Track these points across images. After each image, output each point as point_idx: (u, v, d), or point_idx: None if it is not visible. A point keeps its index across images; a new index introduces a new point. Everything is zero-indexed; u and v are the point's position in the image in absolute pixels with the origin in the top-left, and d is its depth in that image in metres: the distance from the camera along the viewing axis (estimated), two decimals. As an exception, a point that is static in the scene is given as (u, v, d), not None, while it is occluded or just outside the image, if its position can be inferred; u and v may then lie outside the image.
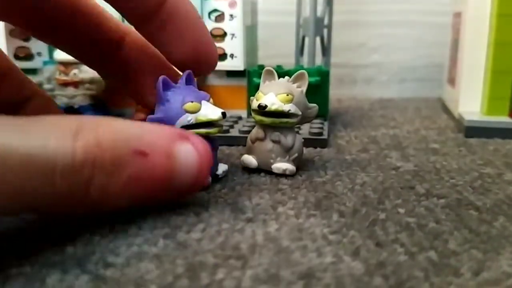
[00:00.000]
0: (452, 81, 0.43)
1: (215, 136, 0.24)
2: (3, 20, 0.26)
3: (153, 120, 0.22)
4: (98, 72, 0.28)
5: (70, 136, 0.16)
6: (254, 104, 0.25)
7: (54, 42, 0.26)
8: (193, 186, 0.19)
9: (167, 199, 0.20)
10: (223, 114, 0.23)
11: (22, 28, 0.26)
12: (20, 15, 0.24)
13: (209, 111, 0.23)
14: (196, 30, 0.24)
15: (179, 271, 0.16)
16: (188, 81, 0.24)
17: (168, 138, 0.18)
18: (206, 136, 0.22)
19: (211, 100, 0.24)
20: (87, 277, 0.15)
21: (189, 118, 0.22)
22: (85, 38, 0.25)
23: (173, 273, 0.16)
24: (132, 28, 0.25)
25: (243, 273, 0.16)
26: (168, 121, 0.22)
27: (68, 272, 0.16)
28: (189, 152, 0.19)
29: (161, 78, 0.23)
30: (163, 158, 0.18)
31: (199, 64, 0.24)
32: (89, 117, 0.18)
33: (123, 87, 0.27)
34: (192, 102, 0.23)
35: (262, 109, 0.25)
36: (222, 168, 0.25)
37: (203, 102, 0.23)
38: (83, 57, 0.27)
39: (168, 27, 0.23)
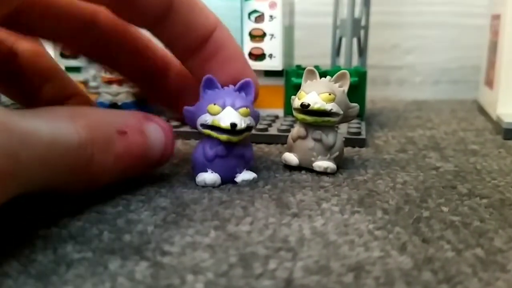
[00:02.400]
0: (490, 83, 0.43)
1: (244, 144, 0.24)
2: (54, 43, 0.27)
3: (186, 111, 0.24)
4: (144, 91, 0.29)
5: (70, 120, 0.18)
6: (296, 103, 0.26)
7: (104, 65, 0.27)
8: (162, 158, 0.23)
9: (144, 171, 0.23)
10: (232, 125, 0.23)
11: (71, 51, 0.27)
12: (70, 40, 0.25)
13: (225, 118, 0.23)
14: (238, 64, 0.25)
15: (232, 261, 0.16)
16: (243, 88, 0.24)
17: (137, 120, 0.22)
18: (227, 142, 0.23)
19: (247, 109, 0.23)
20: (146, 263, 0.16)
21: (207, 119, 0.23)
22: (133, 65, 0.26)
23: (227, 262, 0.16)
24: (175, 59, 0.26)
25: (294, 264, 0.16)
26: (196, 115, 0.24)
27: (128, 258, 0.16)
28: (156, 129, 0.22)
29: (206, 76, 0.24)
30: (138, 135, 0.21)
31: None
32: (75, 107, 0.21)
33: (167, 109, 0.29)
34: (215, 104, 0.23)
35: (304, 108, 0.25)
36: (245, 176, 0.24)
37: (228, 108, 0.23)
38: (131, 80, 0.28)
39: (212, 61, 0.24)
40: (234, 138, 0.23)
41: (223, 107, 0.23)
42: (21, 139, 0.15)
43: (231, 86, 0.24)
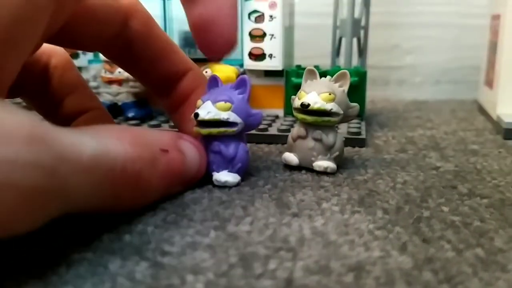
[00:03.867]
0: (489, 83, 0.43)
1: (225, 141, 0.24)
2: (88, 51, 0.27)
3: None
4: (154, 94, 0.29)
5: (116, 137, 0.18)
6: (297, 103, 0.26)
7: (123, 66, 0.27)
8: (197, 174, 0.23)
9: (182, 188, 0.23)
10: (195, 114, 0.23)
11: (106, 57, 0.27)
12: (105, 46, 0.25)
13: (198, 110, 0.23)
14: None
15: (232, 261, 0.16)
16: (240, 85, 0.24)
17: (172, 138, 0.22)
18: (204, 136, 0.24)
19: (227, 104, 0.23)
20: (146, 263, 0.16)
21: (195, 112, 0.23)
22: (154, 67, 0.26)
23: (227, 262, 0.16)
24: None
25: (294, 264, 0.16)
26: None
27: (128, 259, 0.16)
28: (189, 147, 0.22)
29: (212, 75, 0.24)
30: (176, 153, 0.21)
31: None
32: (122, 126, 0.21)
33: (169, 115, 0.29)
34: (201, 100, 0.24)
35: (304, 108, 0.25)
36: (220, 176, 0.24)
37: (207, 102, 0.23)
38: (146, 83, 0.28)
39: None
40: (202, 131, 0.23)
41: (205, 101, 0.23)
42: (61, 154, 0.15)
43: (229, 84, 0.24)
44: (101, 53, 0.26)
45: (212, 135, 0.23)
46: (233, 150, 0.24)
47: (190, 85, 0.26)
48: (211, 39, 0.21)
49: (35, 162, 0.14)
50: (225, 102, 0.23)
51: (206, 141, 0.24)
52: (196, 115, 0.23)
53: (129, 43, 0.24)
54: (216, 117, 0.23)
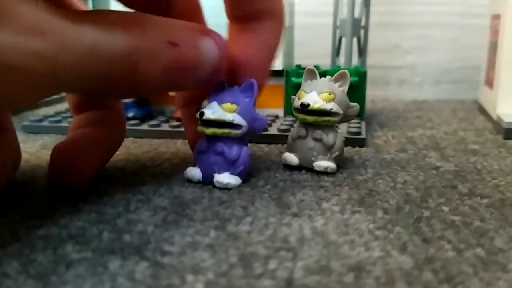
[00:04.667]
0: (490, 83, 0.42)
1: (228, 143, 0.24)
2: None
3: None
4: None
5: (120, 27, 0.18)
6: (296, 103, 0.26)
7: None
8: (212, 75, 0.22)
9: (192, 86, 0.22)
10: (200, 113, 0.23)
11: None
12: None
13: (204, 109, 0.23)
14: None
15: (232, 261, 0.16)
16: (247, 89, 0.24)
17: (194, 33, 0.21)
18: (208, 136, 0.24)
19: (233, 105, 0.23)
20: (146, 263, 0.16)
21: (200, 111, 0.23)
22: None
23: (227, 262, 0.16)
24: None
25: (294, 264, 0.16)
26: None
27: (128, 258, 0.16)
28: (211, 45, 0.21)
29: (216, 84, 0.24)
30: (190, 49, 0.20)
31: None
32: (130, 12, 0.20)
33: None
34: (207, 100, 0.23)
35: (304, 108, 0.25)
36: (222, 178, 0.23)
37: (213, 102, 0.23)
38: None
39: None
40: (207, 130, 0.23)
41: (210, 102, 0.23)
42: (61, 44, 0.16)
43: (236, 87, 0.24)
44: None
45: (216, 135, 0.23)
46: (236, 152, 0.24)
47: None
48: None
49: (36, 50, 0.15)
50: (231, 104, 0.23)
51: (209, 141, 0.24)
52: (202, 113, 0.23)
53: None
54: (222, 117, 0.23)
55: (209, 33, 0.21)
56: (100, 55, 0.17)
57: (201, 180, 0.24)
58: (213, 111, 0.23)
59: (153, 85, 0.20)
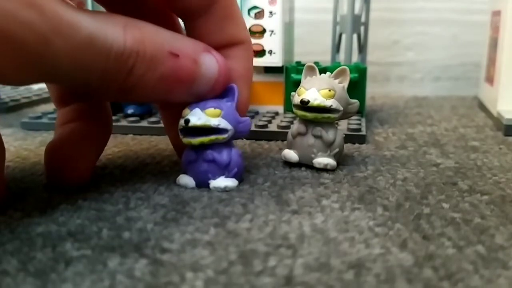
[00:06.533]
0: (490, 79, 0.42)
1: (218, 149, 0.23)
2: None
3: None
4: None
5: (121, 28, 0.18)
6: (296, 99, 0.26)
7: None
8: (210, 92, 0.22)
9: (186, 100, 0.22)
10: (185, 121, 0.22)
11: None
12: None
13: (188, 116, 0.22)
14: (234, 23, 0.24)
15: (232, 258, 0.16)
16: (227, 94, 0.23)
17: (196, 48, 0.21)
18: (195, 146, 0.23)
19: (217, 110, 0.22)
20: (146, 261, 0.16)
21: (180, 122, 0.23)
22: None
23: (227, 259, 0.16)
24: None
25: (294, 261, 0.16)
26: None
27: (127, 256, 0.16)
28: (211, 62, 0.22)
29: None
30: (190, 62, 0.21)
31: None
32: (133, 19, 0.20)
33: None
34: (186, 108, 0.23)
35: (304, 104, 0.25)
36: (218, 183, 0.23)
37: (195, 109, 0.22)
38: None
39: (210, 19, 0.23)
40: (194, 141, 0.23)
41: (191, 109, 0.23)
42: (57, 26, 0.16)
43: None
44: None
45: (203, 144, 0.23)
46: (226, 156, 0.23)
47: None
48: None
49: (31, 25, 0.15)
50: (215, 109, 0.22)
51: (198, 151, 0.23)
52: (187, 121, 0.22)
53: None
54: (207, 123, 0.22)
55: (211, 51, 0.22)
56: (96, 49, 0.17)
57: (195, 187, 0.24)
58: (198, 117, 0.22)
59: (147, 91, 0.20)
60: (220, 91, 0.23)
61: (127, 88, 0.19)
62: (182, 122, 0.22)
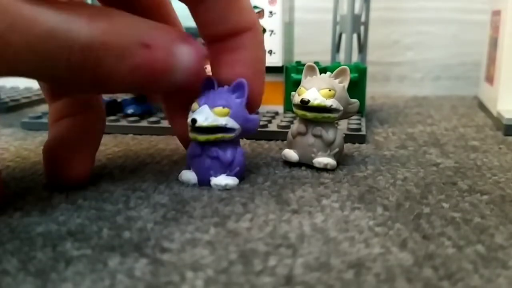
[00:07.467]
0: (490, 79, 0.42)
1: (223, 147, 0.23)
2: None
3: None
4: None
5: (86, 19, 0.18)
6: (296, 99, 0.26)
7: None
8: (188, 82, 0.21)
9: (165, 90, 0.22)
10: (192, 120, 0.22)
11: None
12: None
13: (196, 115, 0.22)
14: (249, 70, 0.24)
15: (232, 257, 0.16)
16: (237, 89, 0.23)
17: (170, 37, 0.20)
18: (200, 142, 0.23)
19: (225, 109, 0.22)
20: (146, 260, 0.16)
21: (189, 115, 0.23)
22: None
23: (227, 259, 0.16)
24: None
25: (294, 260, 0.16)
26: None
27: (127, 255, 0.16)
28: (187, 52, 0.21)
29: (206, 77, 0.24)
30: (164, 53, 0.20)
31: None
32: (105, 8, 0.19)
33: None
34: (195, 102, 0.23)
35: (304, 104, 0.25)
36: (219, 180, 0.23)
37: (204, 106, 0.22)
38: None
39: (227, 56, 0.24)
40: (200, 137, 0.23)
41: (201, 105, 0.23)
42: (14, 22, 0.16)
43: (226, 87, 0.23)
44: None
45: (209, 141, 0.23)
46: (230, 155, 0.23)
47: None
48: None
49: None
50: (223, 107, 0.22)
51: (203, 146, 0.23)
52: (194, 121, 0.22)
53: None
54: (214, 123, 0.22)
55: (187, 39, 0.21)
56: (58, 42, 0.17)
57: (197, 184, 0.24)
58: (205, 117, 0.22)
59: (121, 83, 0.19)
60: (198, 82, 0.23)
61: (100, 80, 0.19)
62: (189, 120, 0.22)
